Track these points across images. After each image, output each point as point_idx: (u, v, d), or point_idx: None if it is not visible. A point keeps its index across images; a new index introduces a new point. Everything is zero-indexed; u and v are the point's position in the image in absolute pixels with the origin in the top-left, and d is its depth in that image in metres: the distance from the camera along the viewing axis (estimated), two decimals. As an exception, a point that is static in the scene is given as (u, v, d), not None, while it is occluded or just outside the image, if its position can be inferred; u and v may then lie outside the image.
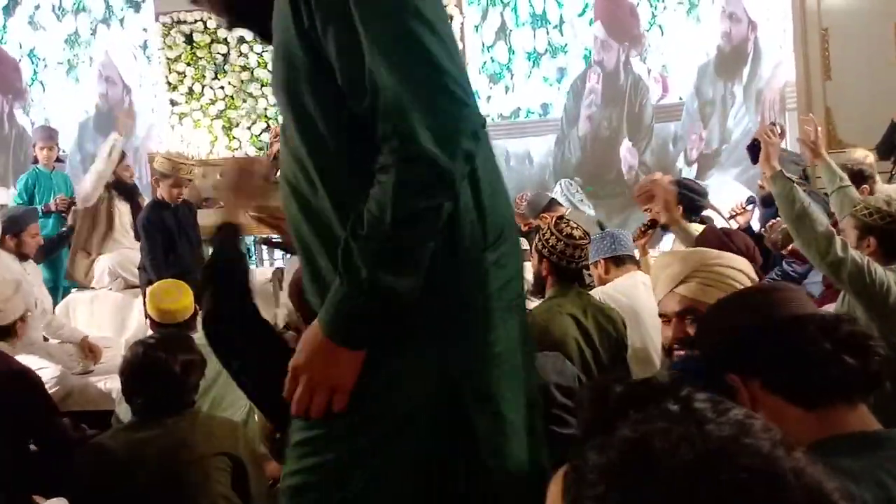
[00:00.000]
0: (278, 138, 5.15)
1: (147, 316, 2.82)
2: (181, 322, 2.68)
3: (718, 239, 2.47)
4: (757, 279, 1.74)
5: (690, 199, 3.47)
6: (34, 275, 3.95)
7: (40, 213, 4.57)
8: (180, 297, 2.71)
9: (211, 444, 1.78)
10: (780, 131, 3.97)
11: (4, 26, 6.89)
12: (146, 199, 5.05)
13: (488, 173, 1.09)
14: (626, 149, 6.56)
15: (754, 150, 3.72)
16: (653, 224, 3.35)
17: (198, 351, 1.91)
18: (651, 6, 6.36)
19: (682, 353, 1.52)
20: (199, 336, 2.57)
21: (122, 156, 4.79)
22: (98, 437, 1.83)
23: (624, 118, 6.56)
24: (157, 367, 1.80)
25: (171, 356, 1.82)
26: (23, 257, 3.89)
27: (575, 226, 2.81)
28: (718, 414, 0.56)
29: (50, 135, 5.32)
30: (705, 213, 3.92)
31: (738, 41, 6.32)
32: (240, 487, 1.82)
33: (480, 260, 1.05)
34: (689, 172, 6.39)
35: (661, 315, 1.64)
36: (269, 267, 5.76)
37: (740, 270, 1.59)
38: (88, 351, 3.77)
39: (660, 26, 6.38)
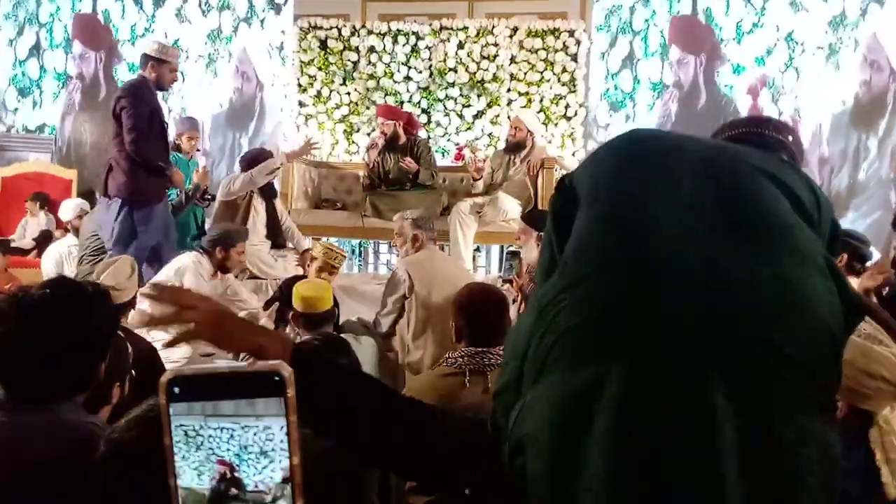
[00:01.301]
0: (374, 144, 5.34)
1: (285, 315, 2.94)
2: (323, 314, 2.79)
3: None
4: None
5: (855, 248, 3.43)
6: (235, 286, 4.11)
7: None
8: (321, 289, 2.83)
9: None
10: None
11: (153, 16, 7.35)
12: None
13: None
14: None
15: None
16: None
17: (356, 357, 1.98)
18: (789, 48, 6.18)
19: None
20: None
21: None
22: None
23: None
24: None
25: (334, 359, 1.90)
26: (225, 270, 4.04)
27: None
28: None
29: (196, 125, 5.68)
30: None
31: (877, 91, 6.06)
32: (380, 489, 1.87)
33: None
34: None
35: None
36: (373, 271, 5.91)
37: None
38: None
39: (795, 69, 6.19)
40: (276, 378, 0.61)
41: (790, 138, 1.29)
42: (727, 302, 0.74)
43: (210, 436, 0.62)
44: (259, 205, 4.75)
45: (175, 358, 3.51)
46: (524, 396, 0.82)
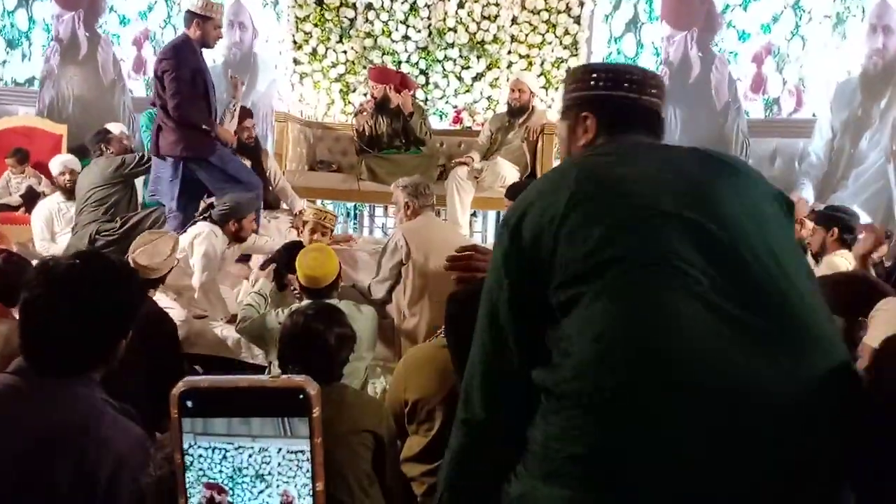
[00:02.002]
0: (362, 108, 5.22)
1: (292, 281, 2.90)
2: (326, 286, 2.76)
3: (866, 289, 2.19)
4: None
5: (845, 222, 3.43)
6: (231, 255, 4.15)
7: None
8: (326, 262, 2.79)
9: (360, 420, 1.81)
10: None
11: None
12: (269, 152, 5.18)
13: None
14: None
15: None
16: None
17: (350, 326, 1.95)
18: (795, 16, 6.05)
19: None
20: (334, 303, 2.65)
21: (244, 115, 4.91)
22: None
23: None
24: (315, 338, 1.84)
25: (328, 329, 1.86)
26: (240, 240, 4.03)
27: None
28: None
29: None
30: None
31: (889, 58, 5.95)
32: (378, 465, 1.85)
33: None
34: (810, 193, 6.12)
35: None
36: (368, 234, 5.86)
37: None
38: None
39: (802, 37, 6.07)
40: (301, 396, 0.56)
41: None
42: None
43: (200, 455, 0.57)
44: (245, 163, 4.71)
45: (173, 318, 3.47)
46: (523, 484, 0.91)
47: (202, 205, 4.38)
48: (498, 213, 5.75)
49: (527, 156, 5.10)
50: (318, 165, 5.65)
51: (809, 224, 3.95)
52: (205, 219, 4.02)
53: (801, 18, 6.06)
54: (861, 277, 2.73)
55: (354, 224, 6.18)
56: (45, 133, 6.82)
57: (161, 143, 4.25)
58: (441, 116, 6.37)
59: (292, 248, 3.39)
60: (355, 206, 6.07)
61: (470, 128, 6.09)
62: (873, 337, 1.50)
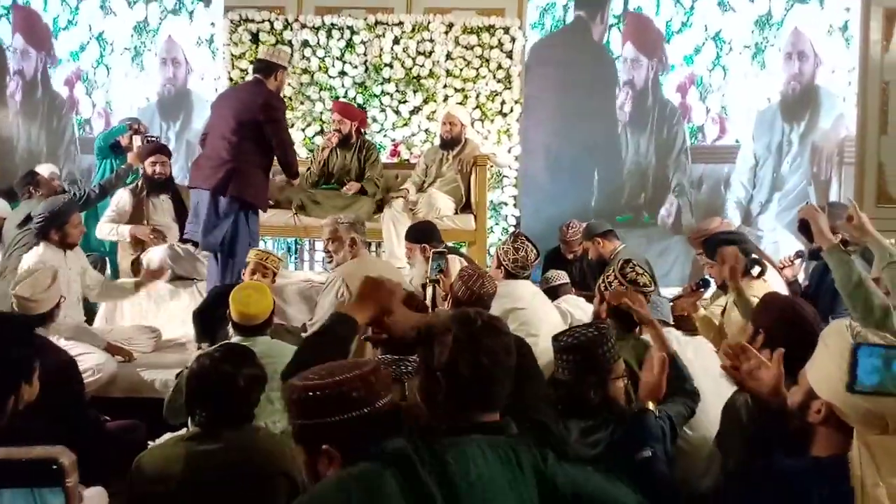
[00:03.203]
0: (328, 143, 5.25)
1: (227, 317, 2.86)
2: (259, 324, 2.74)
3: (785, 309, 2.22)
4: None
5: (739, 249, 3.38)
6: (74, 261, 4.03)
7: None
8: (262, 301, 2.76)
9: (273, 462, 1.79)
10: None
11: (77, 8, 7.07)
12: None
13: None
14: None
15: (805, 229, 3.60)
16: (705, 284, 3.35)
17: (260, 366, 1.94)
18: (717, 47, 6.32)
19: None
20: (265, 341, 2.64)
21: (157, 150, 4.89)
22: (158, 445, 1.84)
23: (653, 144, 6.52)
24: (222, 380, 1.83)
25: (236, 370, 1.85)
26: (68, 247, 3.97)
27: (641, 271, 2.81)
28: None
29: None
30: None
31: (805, 83, 6.26)
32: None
33: None
34: (736, 217, 6.34)
35: None
36: (308, 270, 5.83)
37: None
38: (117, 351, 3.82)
39: (723, 67, 6.34)
40: (55, 466, 0.56)
41: None
42: None
43: None
44: (156, 200, 4.71)
45: (88, 366, 3.41)
46: None
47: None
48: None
49: (461, 187, 5.18)
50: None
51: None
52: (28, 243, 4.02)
53: (721, 49, 6.34)
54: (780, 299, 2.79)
55: (295, 258, 6.15)
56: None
57: (232, 185, 4.08)
58: (380, 149, 6.42)
59: (223, 291, 3.35)
60: (296, 241, 6.05)
61: (408, 160, 6.16)
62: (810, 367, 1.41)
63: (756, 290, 3.11)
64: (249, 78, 4.46)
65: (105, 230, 4.77)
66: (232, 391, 1.83)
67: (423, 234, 3.98)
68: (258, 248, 4.13)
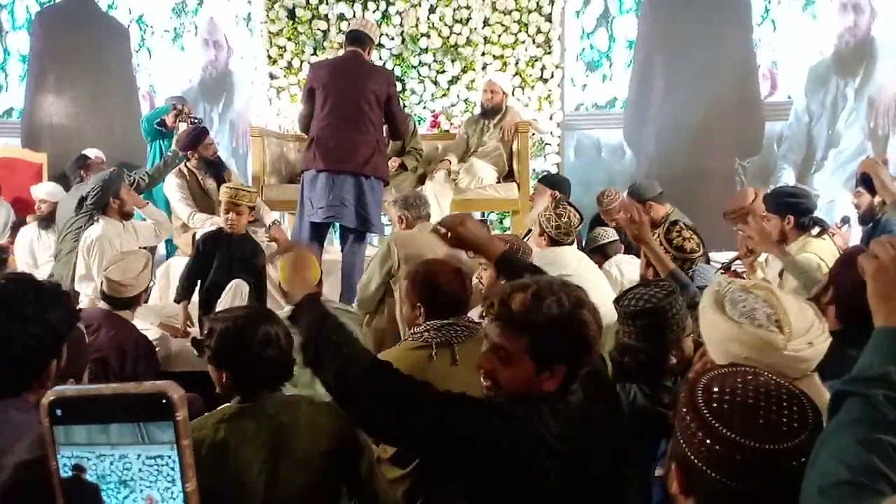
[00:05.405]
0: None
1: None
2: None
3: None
4: None
5: (799, 206, 3.22)
6: (132, 234, 4.13)
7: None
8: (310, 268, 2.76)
9: (319, 439, 1.73)
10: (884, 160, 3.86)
11: (116, -7, 7.14)
12: (233, 170, 5.22)
13: None
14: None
15: (867, 183, 3.46)
16: (845, 220, 3.29)
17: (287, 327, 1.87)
18: (766, 0, 6.08)
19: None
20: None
21: (204, 134, 4.92)
22: (200, 429, 1.75)
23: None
24: (261, 340, 1.77)
25: (273, 328, 1.79)
26: (126, 216, 4.08)
27: (688, 235, 2.72)
28: None
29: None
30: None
31: (860, 37, 5.98)
32: (351, 476, 1.82)
33: None
34: (789, 176, 6.14)
35: None
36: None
37: None
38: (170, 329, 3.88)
39: (772, 21, 6.09)
40: (164, 400, 0.56)
41: None
42: None
43: (64, 465, 0.58)
44: (209, 182, 4.78)
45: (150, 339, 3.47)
46: None
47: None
48: (483, 214, 5.76)
49: (503, 156, 5.11)
50: (297, 178, 5.63)
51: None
52: (87, 217, 4.11)
53: (770, 2, 6.09)
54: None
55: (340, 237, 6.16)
56: (25, 162, 6.82)
57: (375, 165, 4.09)
58: (419, 121, 6.38)
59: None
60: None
61: (448, 131, 6.11)
62: None
63: (816, 248, 3.00)
64: (342, 52, 4.36)
65: (199, 220, 4.66)
66: (263, 350, 1.78)
67: (559, 184, 4.86)
68: (228, 185, 4.01)
